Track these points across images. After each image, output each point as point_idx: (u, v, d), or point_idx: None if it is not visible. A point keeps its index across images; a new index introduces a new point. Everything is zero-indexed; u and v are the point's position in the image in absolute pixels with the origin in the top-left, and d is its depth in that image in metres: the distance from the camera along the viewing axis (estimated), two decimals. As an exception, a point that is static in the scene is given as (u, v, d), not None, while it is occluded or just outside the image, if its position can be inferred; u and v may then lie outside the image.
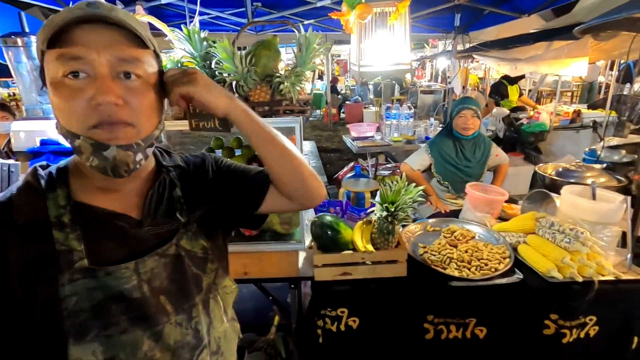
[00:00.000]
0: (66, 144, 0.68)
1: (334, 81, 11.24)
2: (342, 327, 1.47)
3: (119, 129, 0.58)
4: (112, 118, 0.57)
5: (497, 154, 2.44)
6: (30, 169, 0.64)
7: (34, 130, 1.64)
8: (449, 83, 4.95)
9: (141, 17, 1.63)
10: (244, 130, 0.74)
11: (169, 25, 1.47)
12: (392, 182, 1.44)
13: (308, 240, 1.61)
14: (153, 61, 0.63)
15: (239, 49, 1.32)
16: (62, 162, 0.66)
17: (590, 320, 1.43)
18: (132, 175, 0.63)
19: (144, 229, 0.66)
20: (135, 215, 0.66)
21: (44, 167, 0.65)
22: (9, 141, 1.77)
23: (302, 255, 1.63)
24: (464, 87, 6.24)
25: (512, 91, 5.30)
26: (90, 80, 0.56)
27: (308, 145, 7.72)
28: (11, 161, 1.47)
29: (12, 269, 0.56)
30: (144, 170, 0.68)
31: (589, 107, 5.42)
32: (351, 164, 4.74)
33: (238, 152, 1.63)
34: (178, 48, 1.39)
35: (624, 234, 1.51)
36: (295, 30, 1.31)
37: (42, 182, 0.62)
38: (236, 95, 1.37)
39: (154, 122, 0.64)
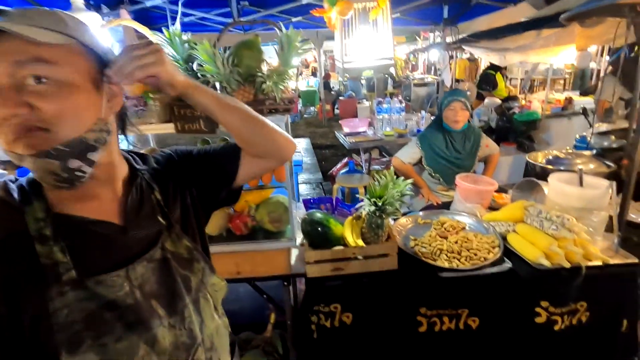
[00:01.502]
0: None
1: (327, 77, 11.21)
2: (336, 323, 1.49)
3: (30, 136, 0.54)
4: (22, 127, 0.53)
5: (487, 145, 2.45)
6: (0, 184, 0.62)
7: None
8: (440, 75, 4.95)
9: (125, 22, 1.63)
10: (205, 104, 0.75)
11: (154, 28, 1.47)
12: (380, 177, 1.45)
13: (299, 237, 1.62)
14: (74, 56, 0.58)
15: (227, 49, 1.32)
16: (31, 175, 0.63)
17: (581, 306, 1.45)
18: (104, 181, 0.64)
19: (128, 234, 0.66)
20: (117, 222, 0.66)
21: (12, 182, 0.64)
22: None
23: (294, 253, 1.64)
24: (458, 81, 6.24)
25: (500, 79, 5.34)
26: None
27: (302, 143, 7.71)
28: (-1, 170, 1.47)
29: None
30: (117, 176, 0.68)
31: (581, 94, 5.44)
32: (345, 160, 4.75)
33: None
34: (161, 51, 1.39)
35: (611, 219, 1.53)
36: (276, 28, 1.31)
37: (15, 195, 0.60)
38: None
39: (81, 124, 0.58)
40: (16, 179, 0.65)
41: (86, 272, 0.59)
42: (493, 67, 5.32)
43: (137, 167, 0.74)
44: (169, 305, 0.67)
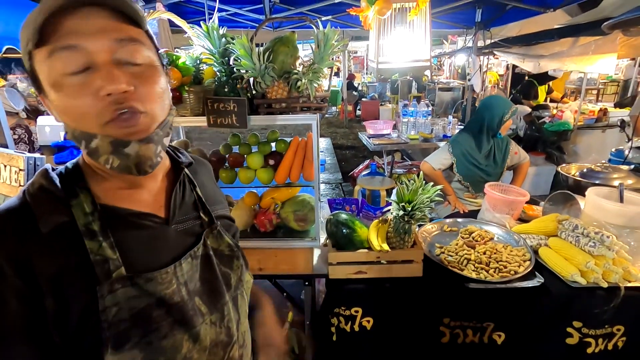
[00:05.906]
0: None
1: (351, 77, 11.17)
2: (356, 328, 1.46)
3: (135, 119, 0.54)
4: (125, 106, 0.53)
5: (516, 152, 2.38)
6: (41, 171, 0.59)
7: (59, 124, 1.69)
8: (469, 80, 4.84)
9: (161, 15, 1.65)
10: None
11: (188, 22, 1.48)
12: (409, 181, 1.42)
13: (323, 237, 1.61)
14: (149, 42, 0.59)
15: (257, 45, 1.32)
16: (70, 164, 0.62)
17: (618, 330, 1.37)
18: (152, 172, 0.63)
19: (171, 227, 0.65)
20: (160, 215, 0.65)
21: (53, 169, 0.62)
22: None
23: (316, 253, 1.63)
24: (483, 82, 6.04)
25: (542, 92, 5.17)
26: (92, 72, 0.52)
27: (323, 142, 7.71)
28: (37, 155, 1.52)
29: (42, 282, 0.52)
30: (161, 166, 0.66)
31: (615, 106, 5.22)
32: (367, 162, 4.71)
33: (255, 149, 1.63)
34: (197, 45, 1.40)
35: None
36: (313, 26, 1.30)
37: (58, 185, 0.58)
38: (254, 92, 1.37)
39: (166, 108, 0.60)
40: (53, 168, 0.63)
41: (133, 268, 0.58)
42: (537, 78, 5.14)
43: (181, 160, 0.72)
44: (211, 303, 0.66)
